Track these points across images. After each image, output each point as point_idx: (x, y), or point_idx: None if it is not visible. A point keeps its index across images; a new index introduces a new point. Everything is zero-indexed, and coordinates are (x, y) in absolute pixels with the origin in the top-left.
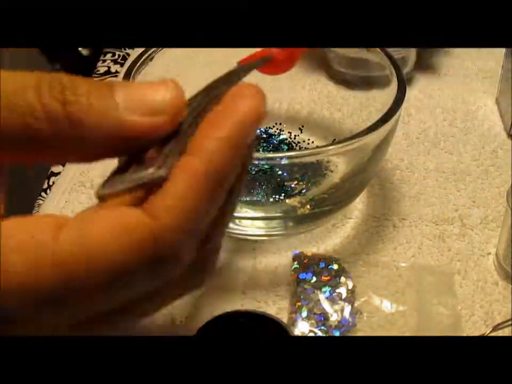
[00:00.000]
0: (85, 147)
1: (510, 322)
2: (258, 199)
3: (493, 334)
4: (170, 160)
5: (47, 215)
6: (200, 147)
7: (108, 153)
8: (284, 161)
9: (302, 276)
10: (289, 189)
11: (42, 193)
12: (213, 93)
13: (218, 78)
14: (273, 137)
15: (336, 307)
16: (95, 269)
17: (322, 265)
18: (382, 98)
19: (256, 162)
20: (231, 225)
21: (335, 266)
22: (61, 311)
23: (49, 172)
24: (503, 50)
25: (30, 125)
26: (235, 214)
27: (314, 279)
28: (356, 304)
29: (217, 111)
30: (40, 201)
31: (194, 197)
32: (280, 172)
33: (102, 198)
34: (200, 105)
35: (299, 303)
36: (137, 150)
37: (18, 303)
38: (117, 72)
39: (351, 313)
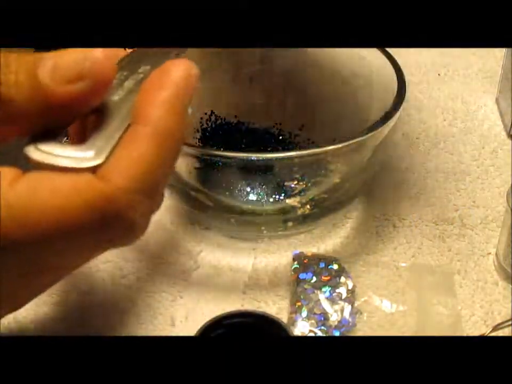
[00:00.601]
0: (18, 122)
1: (510, 322)
2: (258, 199)
3: (493, 334)
4: (108, 147)
5: (6, 167)
6: (145, 114)
7: (45, 124)
8: (284, 161)
9: (302, 276)
10: (289, 189)
11: None
12: (141, 70)
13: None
14: (273, 137)
15: (336, 307)
16: (45, 222)
17: (322, 265)
18: (382, 98)
19: (257, 162)
20: (231, 225)
21: (335, 266)
22: (11, 258)
23: None
24: (503, 50)
25: None
26: (235, 214)
27: (314, 279)
28: (356, 304)
29: (153, 79)
30: None
31: (144, 162)
32: (280, 172)
33: (27, 159)
34: (128, 82)
35: (299, 303)
36: (76, 117)
37: None
38: None
39: (351, 313)
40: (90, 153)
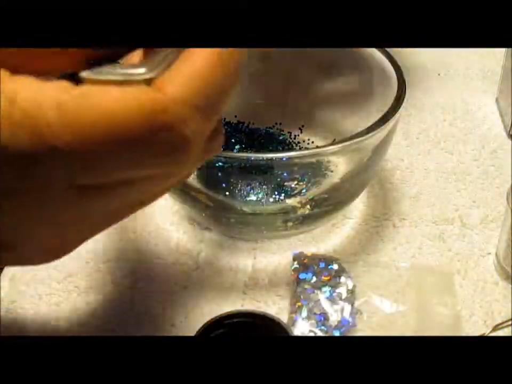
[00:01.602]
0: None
1: (510, 322)
2: (258, 199)
3: (493, 334)
4: (162, 65)
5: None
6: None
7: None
8: (284, 161)
9: (302, 276)
10: (289, 189)
11: None
12: None
13: None
14: (273, 137)
15: (336, 307)
16: (97, 125)
17: (322, 265)
18: (382, 98)
19: (257, 162)
20: (231, 225)
21: (335, 266)
22: (71, 165)
23: None
24: (503, 50)
25: None
26: (235, 214)
27: (314, 279)
28: (355, 304)
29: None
30: None
31: (201, 76)
32: (280, 172)
33: (84, 80)
34: None
35: (299, 303)
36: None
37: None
38: None
39: (351, 313)
40: (142, 69)
